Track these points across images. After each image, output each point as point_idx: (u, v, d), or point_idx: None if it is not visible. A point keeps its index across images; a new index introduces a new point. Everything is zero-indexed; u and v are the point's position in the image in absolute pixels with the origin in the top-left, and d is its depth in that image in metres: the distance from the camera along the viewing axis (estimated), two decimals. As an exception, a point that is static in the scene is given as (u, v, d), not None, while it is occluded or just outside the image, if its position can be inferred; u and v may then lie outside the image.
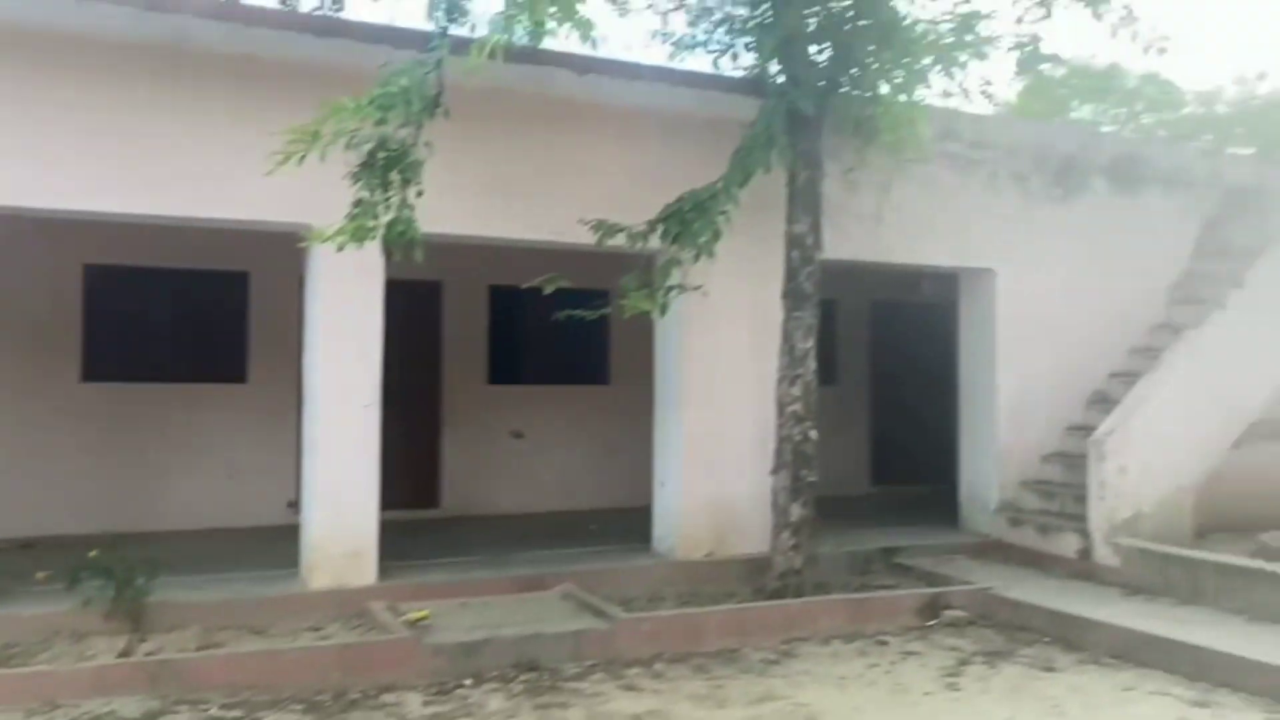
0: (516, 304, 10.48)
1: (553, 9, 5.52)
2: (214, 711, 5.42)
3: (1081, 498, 8.50)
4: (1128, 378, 9.20)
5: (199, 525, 9.42)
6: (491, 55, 5.25)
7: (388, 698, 5.73)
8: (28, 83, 6.56)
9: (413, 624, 6.57)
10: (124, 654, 5.96)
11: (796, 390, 7.56)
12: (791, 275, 7.65)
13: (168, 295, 9.70)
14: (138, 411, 9.50)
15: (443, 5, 5.93)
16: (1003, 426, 9.43)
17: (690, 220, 7.24)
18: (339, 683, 5.85)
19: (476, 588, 7.48)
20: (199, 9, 6.58)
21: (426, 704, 5.65)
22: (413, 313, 9.88)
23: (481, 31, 6.01)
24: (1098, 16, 6.97)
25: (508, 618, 6.79)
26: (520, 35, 5.43)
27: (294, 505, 9.77)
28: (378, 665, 6.00)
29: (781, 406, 7.60)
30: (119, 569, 6.32)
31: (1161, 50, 7.00)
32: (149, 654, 5.98)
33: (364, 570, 7.22)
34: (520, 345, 11.10)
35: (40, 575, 6.56)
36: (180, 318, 9.74)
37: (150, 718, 5.31)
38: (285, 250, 8.19)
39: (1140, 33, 7.01)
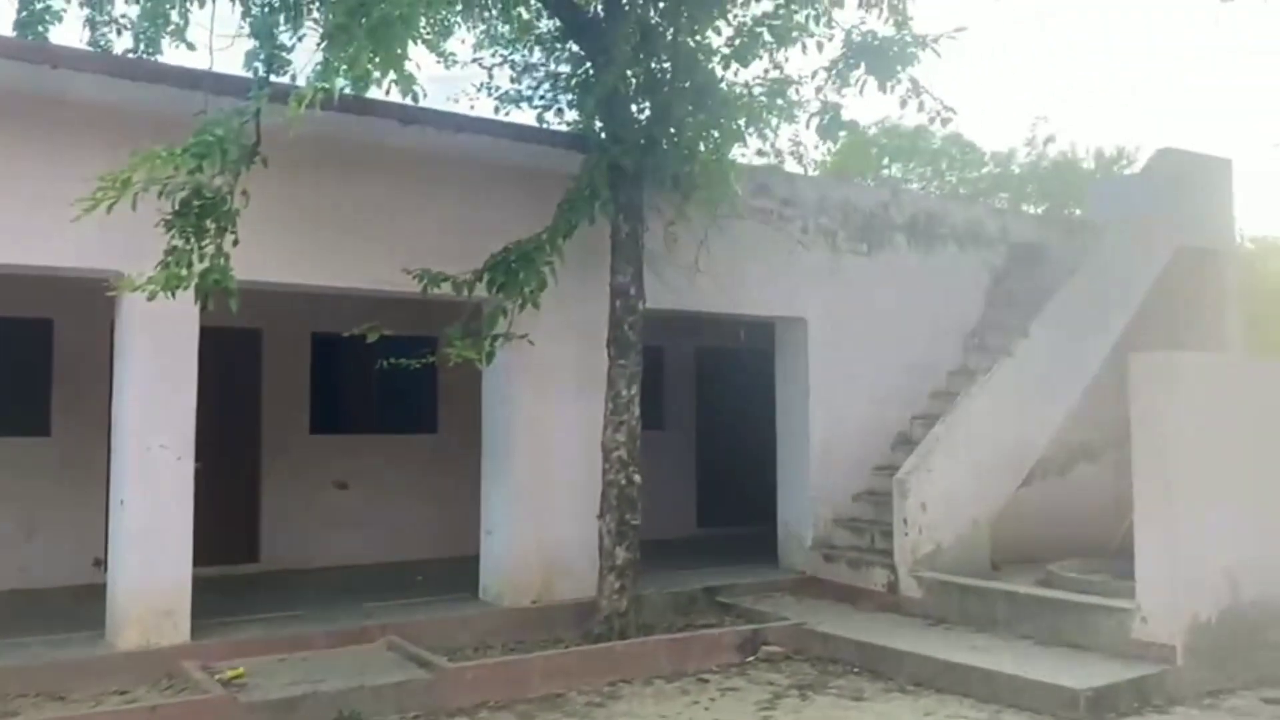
0: (341, 352, 10.28)
1: (375, 59, 5.59)
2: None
3: (888, 534, 9.00)
4: (929, 420, 9.83)
5: (-8, 587, 8.85)
6: (310, 105, 5.28)
7: (198, 760, 5.56)
8: None
9: (227, 682, 6.38)
10: (-97, 728, 5.57)
11: (621, 436, 7.76)
12: (615, 324, 7.88)
13: (-43, 343, 9.15)
14: (-78, 467, 8.88)
15: (261, 55, 5.92)
16: (816, 467, 9.91)
17: (516, 270, 7.41)
18: (147, 747, 5.63)
19: (296, 643, 7.31)
20: (-1, 48, 6.35)
21: (239, 764, 5.51)
22: (231, 361, 9.62)
23: (303, 80, 6.05)
24: (884, 90, 7.55)
25: (328, 671, 6.68)
26: (342, 86, 5.47)
27: (101, 563, 9.30)
28: (190, 727, 5.81)
29: (607, 452, 7.79)
30: (-102, 637, 5.90)
31: (945, 121, 7.63)
32: (-68, 727, 5.61)
33: (176, 628, 6.96)
34: (344, 394, 10.93)
35: None
36: (-28, 368, 9.20)
37: (-67, 795, 4.99)
38: (94, 297, 7.91)
39: (926, 104, 7.63)
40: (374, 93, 6.21)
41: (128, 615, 6.88)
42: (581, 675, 6.99)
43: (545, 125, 8.38)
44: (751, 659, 7.62)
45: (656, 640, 7.56)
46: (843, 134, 8.02)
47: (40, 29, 7.36)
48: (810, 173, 10.22)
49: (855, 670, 7.36)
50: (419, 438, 11.17)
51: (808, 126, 7.76)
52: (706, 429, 13.17)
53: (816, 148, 7.78)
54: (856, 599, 9.02)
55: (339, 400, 10.90)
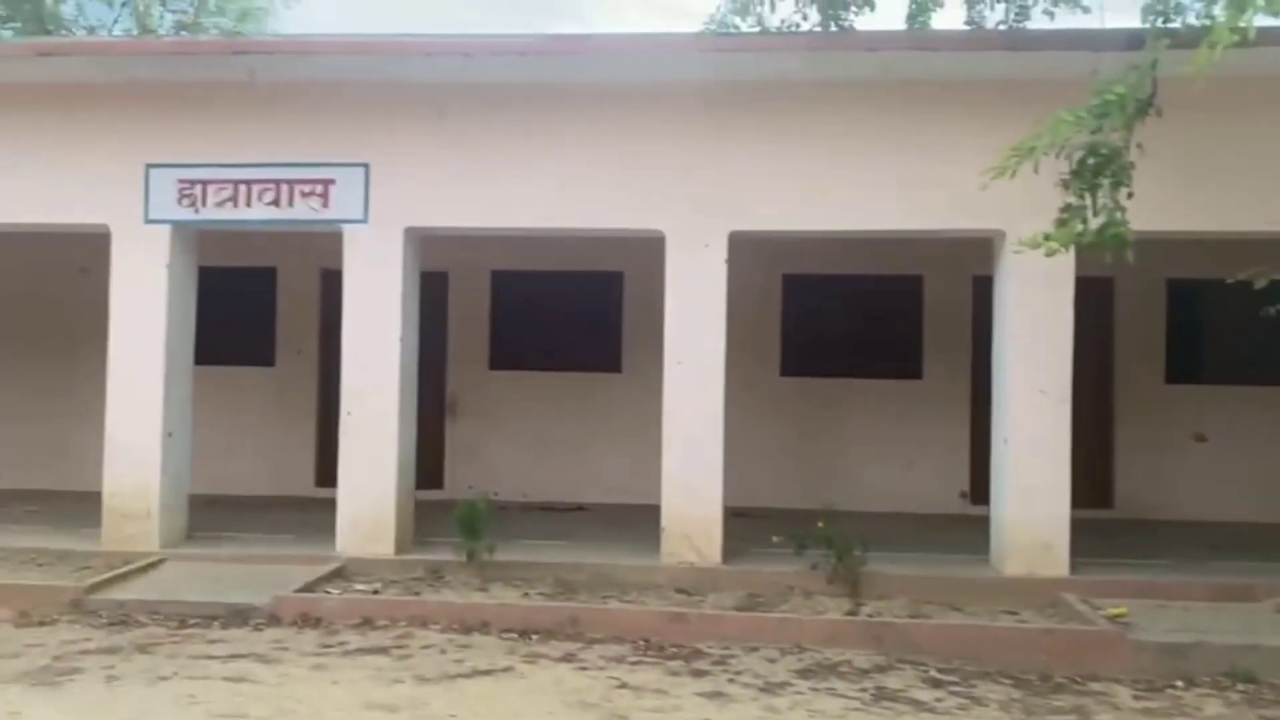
0: (1197, 298, 9.92)
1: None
2: (932, 673, 6.01)
3: None
4: None
5: (878, 508, 10.16)
6: (1234, 45, 5.05)
7: (1094, 686, 5.87)
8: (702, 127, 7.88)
9: (1111, 619, 6.64)
10: (850, 613, 6.85)
11: None
12: None
13: (850, 299, 10.76)
14: (826, 403, 10.69)
15: (1159, 6, 5.92)
16: None
17: None
18: (1043, 665, 6.12)
19: (1169, 591, 7.29)
20: (902, 43, 7.34)
21: (1136, 698, 5.69)
22: (1083, 310, 9.77)
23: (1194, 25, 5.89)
24: None
25: (1212, 625, 6.55)
26: (1252, 18, 5.18)
27: (966, 496, 10.31)
28: (1080, 654, 6.18)
29: None
30: (839, 540, 7.26)
31: None
32: (870, 616, 6.81)
33: (1055, 562, 7.44)
34: (1202, 341, 10.46)
35: (775, 539, 7.77)
36: (862, 319, 10.76)
37: (878, 670, 6.05)
38: (958, 254, 8.79)
39: None
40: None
41: (1011, 544, 7.54)
42: None
43: None
44: None
45: None
46: None
47: (922, 19, 8.27)
48: None
49: None
50: (1285, 390, 10.22)
51: None
52: None
53: None
54: None
55: (1196, 348, 10.46)
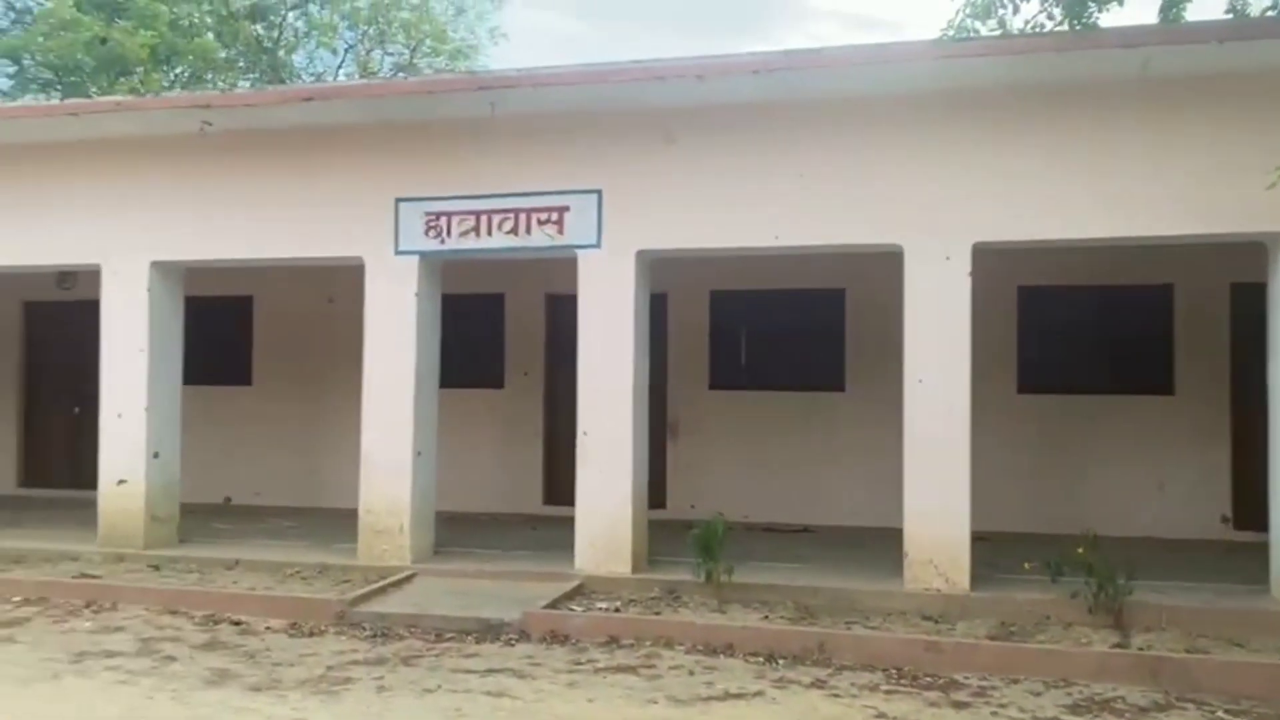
0: None
1: None
2: (1219, 714, 5.53)
3: None
4: None
5: (1126, 532, 9.49)
6: None
7: None
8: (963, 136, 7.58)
9: None
10: (1118, 646, 6.41)
11: None
12: None
13: (1092, 311, 10.17)
14: (1067, 421, 10.12)
15: None
16: None
17: None
18: (1363, 712, 5.56)
19: None
20: (1165, 37, 6.89)
21: None
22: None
23: None
24: None
25: None
26: None
27: (1228, 520, 9.55)
28: (1402, 700, 5.58)
29: None
30: (1100, 566, 6.82)
31: None
32: (1141, 649, 6.35)
33: (1353, 596, 6.76)
34: None
35: (1027, 565, 7.38)
36: (1105, 332, 10.15)
37: (1157, 709, 5.61)
38: (1213, 260, 8.20)
39: None
40: None
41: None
42: None
43: None
44: None
45: None
46: None
47: (1175, 11, 7.71)
48: None
49: None
50: None
51: None
52: None
53: None
54: None
55: None
